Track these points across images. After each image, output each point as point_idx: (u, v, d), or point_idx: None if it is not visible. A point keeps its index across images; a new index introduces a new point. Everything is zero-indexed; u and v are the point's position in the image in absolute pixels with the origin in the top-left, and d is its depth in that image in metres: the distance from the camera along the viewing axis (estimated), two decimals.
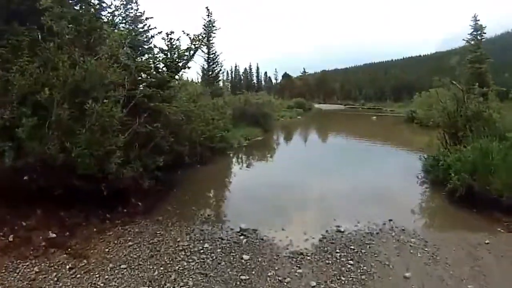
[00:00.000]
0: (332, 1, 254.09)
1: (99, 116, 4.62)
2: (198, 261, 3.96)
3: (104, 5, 7.10)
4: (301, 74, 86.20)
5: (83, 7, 6.08)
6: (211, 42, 22.64)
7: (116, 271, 3.68)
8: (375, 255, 4.19)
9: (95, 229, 4.65)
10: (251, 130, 15.72)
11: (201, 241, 4.50)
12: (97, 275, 3.57)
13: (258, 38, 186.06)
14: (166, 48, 6.88)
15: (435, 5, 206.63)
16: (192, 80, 22.53)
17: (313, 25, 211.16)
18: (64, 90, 4.57)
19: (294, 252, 4.24)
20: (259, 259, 4.06)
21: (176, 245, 4.35)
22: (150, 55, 7.30)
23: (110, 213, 5.10)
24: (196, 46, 6.96)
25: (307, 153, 14.35)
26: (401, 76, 73.03)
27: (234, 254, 4.18)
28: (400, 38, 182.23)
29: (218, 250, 4.27)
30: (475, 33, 27.17)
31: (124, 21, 7.90)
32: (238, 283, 3.54)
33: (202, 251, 4.22)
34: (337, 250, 4.32)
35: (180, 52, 6.87)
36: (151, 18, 7.99)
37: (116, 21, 7.62)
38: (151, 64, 6.83)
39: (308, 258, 4.11)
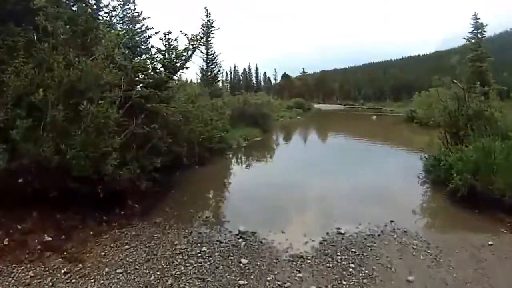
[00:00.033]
0: (332, 1, 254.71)
1: (94, 117, 4.53)
2: (196, 265, 3.87)
3: (101, 5, 7.04)
4: (300, 74, 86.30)
5: (82, 6, 6.00)
6: (209, 42, 22.70)
7: (111, 275, 3.60)
8: (377, 258, 4.10)
9: (91, 232, 4.57)
10: (250, 130, 15.68)
11: (199, 244, 4.42)
12: (92, 280, 3.49)
13: (257, 38, 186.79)
14: (164, 48, 6.82)
15: (435, 5, 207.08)
16: (191, 80, 22.56)
17: (313, 25, 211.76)
18: (59, 91, 4.50)
19: (294, 256, 4.15)
20: (258, 263, 3.97)
21: (174, 249, 4.27)
22: (147, 56, 7.23)
23: (106, 215, 5.01)
24: (194, 46, 6.91)
25: (306, 153, 14.27)
26: (401, 75, 73.07)
27: (232, 257, 4.09)
28: (400, 38, 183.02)
29: (216, 253, 4.18)
30: (475, 31, 27.18)
31: (121, 22, 7.85)
32: None
33: (199, 254, 4.14)
34: (338, 253, 4.23)
35: (178, 52, 6.80)
36: (148, 18, 8.00)
37: (113, 21, 7.56)
38: (148, 64, 6.76)
39: (308, 261, 4.02)
